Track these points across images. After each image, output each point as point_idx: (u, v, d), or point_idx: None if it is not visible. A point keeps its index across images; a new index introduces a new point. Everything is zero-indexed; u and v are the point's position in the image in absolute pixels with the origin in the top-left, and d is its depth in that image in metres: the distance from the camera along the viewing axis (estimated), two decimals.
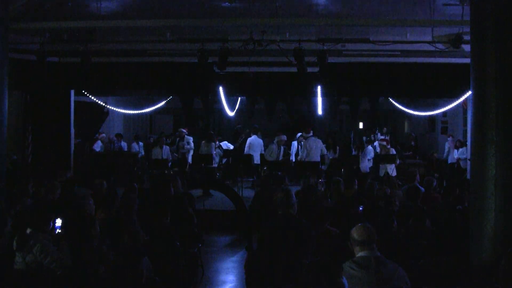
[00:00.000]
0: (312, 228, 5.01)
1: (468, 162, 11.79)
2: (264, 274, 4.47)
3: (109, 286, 4.26)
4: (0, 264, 4.75)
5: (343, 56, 10.72)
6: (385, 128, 16.71)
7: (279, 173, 10.71)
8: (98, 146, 14.86)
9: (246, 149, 13.56)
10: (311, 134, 12.13)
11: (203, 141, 13.27)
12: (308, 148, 11.67)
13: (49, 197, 7.08)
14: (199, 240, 6.65)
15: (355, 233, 3.90)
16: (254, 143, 13.47)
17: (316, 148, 11.73)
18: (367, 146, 13.33)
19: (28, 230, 4.80)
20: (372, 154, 12.94)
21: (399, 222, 5.67)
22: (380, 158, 12.49)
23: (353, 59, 11.09)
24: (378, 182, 8.56)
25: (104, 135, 15.56)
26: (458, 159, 14.20)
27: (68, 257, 4.74)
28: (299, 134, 13.14)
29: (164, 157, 12.86)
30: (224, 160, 14.88)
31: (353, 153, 14.51)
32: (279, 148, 12.75)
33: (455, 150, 14.51)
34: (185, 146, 13.74)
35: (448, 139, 15.41)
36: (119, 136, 15.58)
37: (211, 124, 20.47)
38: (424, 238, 5.39)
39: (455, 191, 7.40)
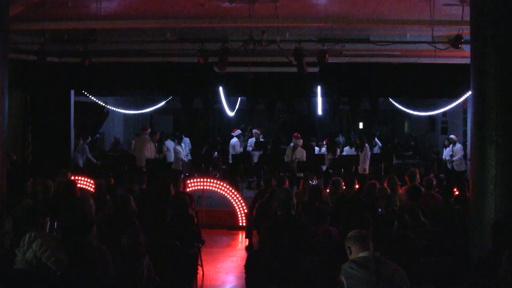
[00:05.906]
0: (312, 228, 5.01)
1: (468, 162, 11.79)
2: (264, 274, 4.46)
3: (109, 286, 4.26)
4: (0, 264, 4.74)
5: (343, 56, 10.72)
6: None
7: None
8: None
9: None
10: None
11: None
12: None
13: (46, 196, 7.07)
14: (199, 240, 6.65)
15: (354, 233, 3.91)
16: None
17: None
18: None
19: (27, 228, 4.81)
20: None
21: (399, 222, 5.67)
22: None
23: (353, 59, 11.09)
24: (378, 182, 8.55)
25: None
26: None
27: (66, 257, 4.73)
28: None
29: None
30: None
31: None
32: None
33: (444, 150, 14.28)
34: None
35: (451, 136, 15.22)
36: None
37: (211, 124, 20.47)
38: (424, 238, 5.39)
39: (454, 190, 7.41)
